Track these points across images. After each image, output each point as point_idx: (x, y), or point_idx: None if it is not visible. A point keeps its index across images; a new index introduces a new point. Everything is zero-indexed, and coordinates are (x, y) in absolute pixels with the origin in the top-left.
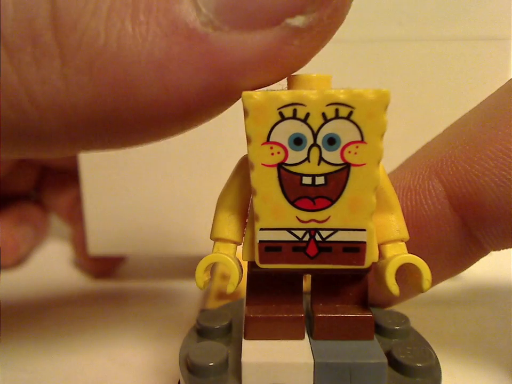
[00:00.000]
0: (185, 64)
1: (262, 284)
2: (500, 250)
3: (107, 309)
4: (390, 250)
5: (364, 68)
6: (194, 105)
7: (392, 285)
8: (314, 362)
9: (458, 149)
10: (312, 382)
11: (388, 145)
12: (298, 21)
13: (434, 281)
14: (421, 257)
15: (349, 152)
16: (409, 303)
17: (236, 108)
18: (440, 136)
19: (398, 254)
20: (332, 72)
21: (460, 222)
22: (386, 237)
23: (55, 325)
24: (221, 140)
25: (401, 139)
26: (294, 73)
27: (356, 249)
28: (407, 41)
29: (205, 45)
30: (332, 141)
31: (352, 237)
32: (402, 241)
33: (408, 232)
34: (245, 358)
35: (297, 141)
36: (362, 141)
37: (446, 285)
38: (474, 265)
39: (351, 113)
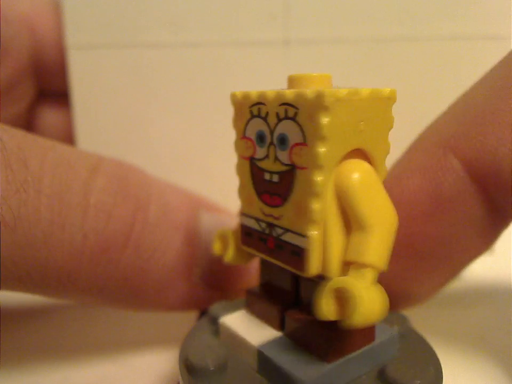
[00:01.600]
0: None
1: (270, 269)
2: None
3: (106, 309)
4: (350, 271)
5: (365, 67)
6: None
7: (317, 305)
8: (257, 349)
9: (470, 123)
10: (257, 368)
11: None
12: None
13: (471, 258)
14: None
15: (295, 153)
16: None
17: None
18: (446, 114)
19: (342, 278)
20: (333, 71)
21: (482, 194)
22: (346, 256)
23: (55, 326)
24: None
25: (402, 138)
26: (295, 73)
27: (298, 254)
28: (407, 41)
29: None
30: (283, 141)
31: (297, 241)
32: (371, 267)
33: (433, 212)
34: (223, 318)
35: (261, 138)
36: (304, 143)
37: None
38: (474, 265)
39: (296, 113)
